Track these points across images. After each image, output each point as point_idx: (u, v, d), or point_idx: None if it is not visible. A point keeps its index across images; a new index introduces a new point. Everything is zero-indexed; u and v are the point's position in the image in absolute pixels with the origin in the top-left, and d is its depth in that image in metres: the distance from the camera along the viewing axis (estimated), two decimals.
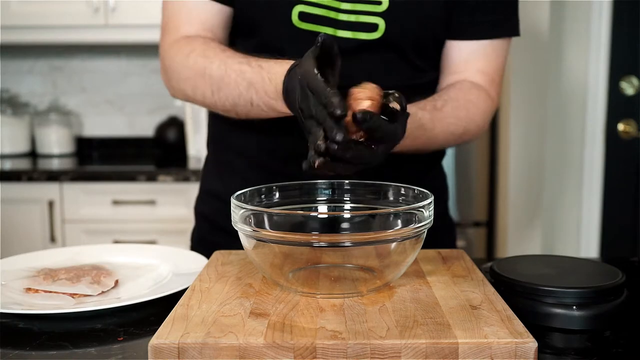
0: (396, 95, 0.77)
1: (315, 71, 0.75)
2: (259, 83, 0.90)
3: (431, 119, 0.98)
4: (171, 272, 0.92)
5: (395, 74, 1.05)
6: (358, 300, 0.73)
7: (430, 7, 1.02)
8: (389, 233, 0.72)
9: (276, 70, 0.88)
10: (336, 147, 0.71)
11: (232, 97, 0.95)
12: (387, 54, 1.03)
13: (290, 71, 0.85)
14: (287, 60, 0.87)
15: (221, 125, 1.12)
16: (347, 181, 0.89)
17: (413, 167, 1.09)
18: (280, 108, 0.89)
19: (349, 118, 0.73)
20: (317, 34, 1.00)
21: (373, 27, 1.00)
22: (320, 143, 0.72)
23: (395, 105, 0.76)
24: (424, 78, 1.08)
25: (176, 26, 1.06)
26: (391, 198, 0.86)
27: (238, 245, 0.80)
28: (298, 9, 1.00)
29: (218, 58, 0.97)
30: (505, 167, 2.40)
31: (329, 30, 1.00)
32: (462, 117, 1.02)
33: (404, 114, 0.77)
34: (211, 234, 1.16)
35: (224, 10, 1.07)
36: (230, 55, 0.97)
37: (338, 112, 0.70)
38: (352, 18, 1.00)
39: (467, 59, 1.07)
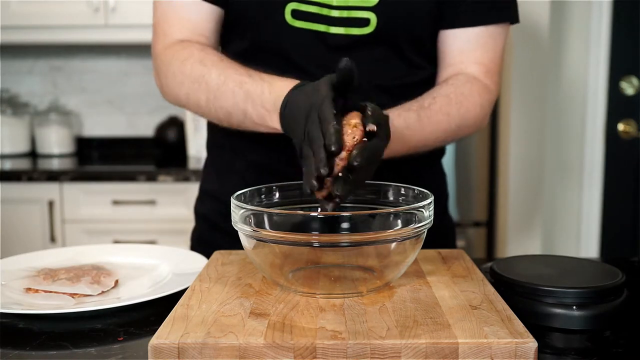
0: (369, 113, 0.77)
1: (330, 99, 0.76)
2: (257, 94, 0.90)
3: (418, 119, 0.96)
4: (171, 272, 0.92)
5: (389, 71, 1.04)
6: (358, 300, 0.73)
7: None
8: (389, 233, 0.72)
9: (279, 85, 0.88)
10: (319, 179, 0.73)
11: (227, 106, 0.95)
12: (381, 49, 1.03)
13: (296, 89, 0.85)
14: (292, 80, 0.88)
15: (220, 126, 1.12)
16: None
17: (412, 166, 1.09)
18: (272, 123, 0.89)
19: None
20: (310, 31, 1.01)
21: (365, 22, 1.00)
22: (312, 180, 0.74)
23: (371, 127, 0.76)
24: (419, 74, 1.07)
25: (167, 29, 1.05)
26: (391, 198, 0.86)
27: (238, 246, 0.80)
28: (291, 7, 1.00)
29: (216, 67, 0.97)
30: (505, 167, 2.40)
31: (321, 27, 1.00)
32: (454, 113, 1.01)
33: (382, 129, 0.77)
34: (211, 235, 1.16)
35: (215, 12, 1.06)
36: (229, 66, 0.97)
37: (333, 148, 0.72)
38: (344, 14, 1.00)
39: (463, 49, 1.06)
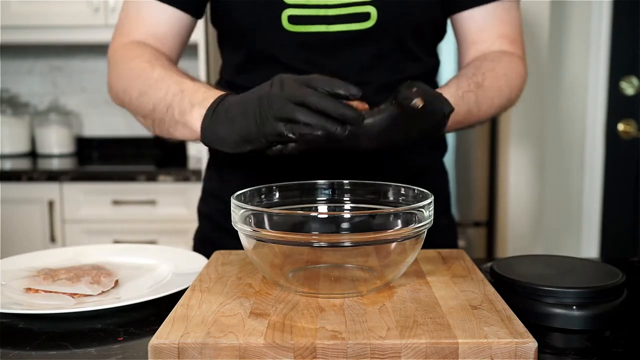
0: (414, 89, 0.79)
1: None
2: (189, 91, 0.90)
3: (476, 100, 0.97)
4: (171, 272, 0.92)
5: (391, 65, 1.04)
6: (358, 300, 0.73)
7: None
8: (389, 233, 0.72)
9: (217, 91, 0.88)
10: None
11: (154, 100, 0.94)
12: (382, 43, 1.03)
13: (233, 94, 0.86)
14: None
15: None
16: (347, 181, 0.89)
17: (414, 165, 1.09)
18: (191, 118, 0.87)
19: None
20: (308, 34, 1.01)
21: (365, 17, 1.00)
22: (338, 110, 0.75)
23: (417, 103, 0.78)
24: (419, 68, 1.07)
25: (128, 30, 1.06)
26: (391, 198, 0.86)
27: (240, 246, 0.80)
28: (287, 12, 1.00)
29: (162, 67, 0.97)
30: (505, 167, 2.39)
31: (320, 28, 1.00)
32: (504, 87, 1.02)
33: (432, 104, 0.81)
34: (213, 234, 1.16)
35: (182, 19, 1.06)
36: (177, 71, 0.97)
37: (357, 92, 0.75)
38: (342, 11, 1.00)
39: (483, 27, 1.06)
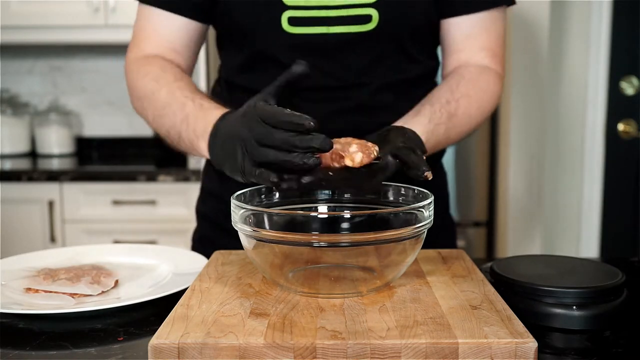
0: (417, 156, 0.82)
1: (262, 100, 0.79)
2: (192, 119, 0.92)
3: (446, 131, 0.98)
4: (171, 272, 0.92)
5: (389, 67, 1.04)
6: (358, 300, 0.73)
7: None
8: (389, 233, 0.72)
9: (214, 113, 0.89)
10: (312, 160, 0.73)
11: (168, 125, 0.97)
12: (382, 45, 1.03)
13: (223, 117, 0.86)
14: (226, 109, 0.90)
15: None
16: None
17: None
18: (200, 149, 0.90)
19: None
20: (308, 36, 1.01)
21: (366, 19, 1.00)
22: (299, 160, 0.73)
23: (429, 175, 0.80)
24: (418, 69, 1.08)
25: (140, 43, 1.07)
26: (391, 198, 0.86)
27: (239, 245, 0.80)
28: (287, 14, 1.00)
29: (168, 86, 0.98)
30: (505, 166, 2.40)
31: (321, 29, 1.00)
32: (474, 113, 1.03)
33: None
34: (212, 234, 1.16)
35: (193, 28, 1.07)
36: (181, 87, 0.98)
37: (312, 123, 0.71)
38: (343, 13, 1.00)
39: (468, 35, 1.07)
